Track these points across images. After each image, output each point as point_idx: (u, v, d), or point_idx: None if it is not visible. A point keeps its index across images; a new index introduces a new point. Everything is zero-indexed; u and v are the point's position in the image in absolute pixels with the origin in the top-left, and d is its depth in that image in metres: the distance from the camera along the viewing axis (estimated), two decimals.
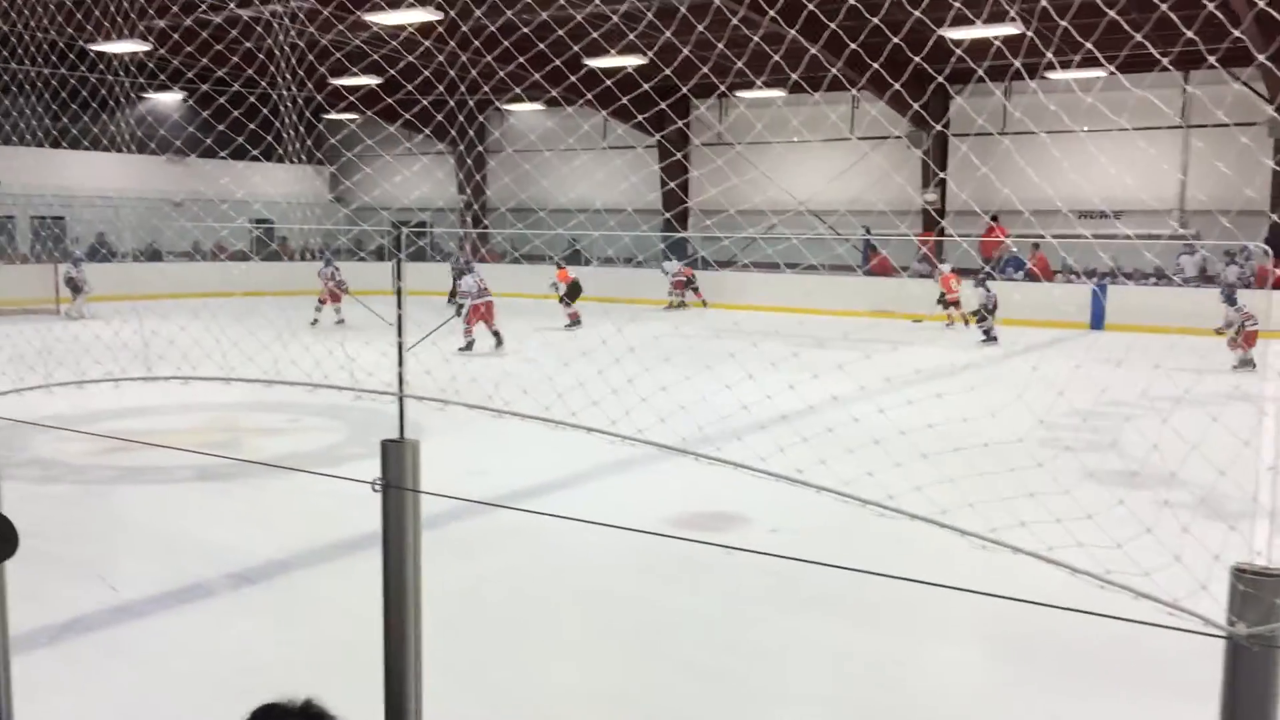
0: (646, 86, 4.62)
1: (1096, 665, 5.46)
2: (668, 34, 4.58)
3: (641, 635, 6.12)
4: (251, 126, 6.40)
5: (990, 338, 20.65)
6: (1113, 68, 3.45)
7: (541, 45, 5.01)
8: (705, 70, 4.52)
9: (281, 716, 2.09)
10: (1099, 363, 14.29)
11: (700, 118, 29.71)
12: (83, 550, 7.45)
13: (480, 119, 33.25)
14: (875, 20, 3.92)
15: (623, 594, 6.67)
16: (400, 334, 3.28)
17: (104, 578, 6.68)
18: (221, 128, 7.16)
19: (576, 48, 5.39)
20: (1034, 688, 5.44)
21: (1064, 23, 3.52)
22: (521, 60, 5.61)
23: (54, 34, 6.30)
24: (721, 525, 7.95)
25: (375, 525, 3.09)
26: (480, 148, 34.43)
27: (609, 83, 4.97)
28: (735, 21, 4.59)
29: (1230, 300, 17.51)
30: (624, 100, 4.83)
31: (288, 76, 5.60)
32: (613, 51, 5.35)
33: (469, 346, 17.77)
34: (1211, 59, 3.35)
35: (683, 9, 4.91)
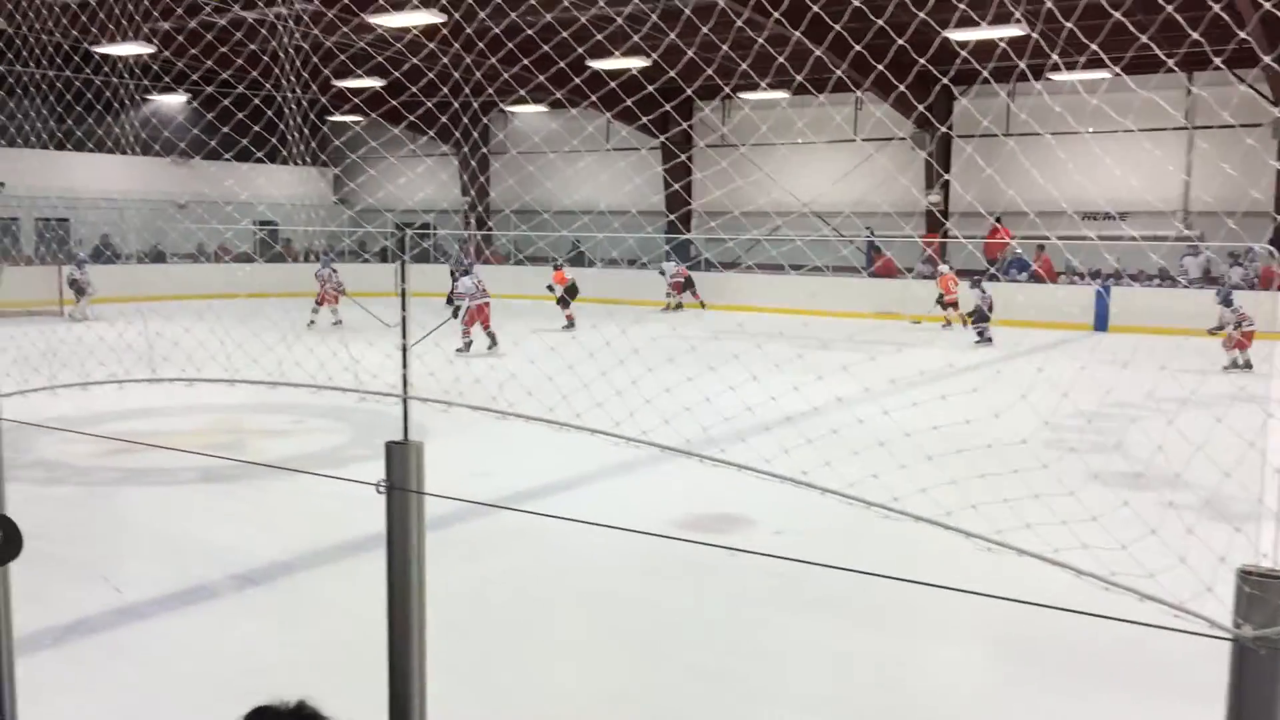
0: (651, 89, 4.62)
1: (1102, 667, 5.45)
2: (672, 35, 4.58)
3: (645, 636, 6.12)
4: (256, 129, 6.39)
5: (985, 339, 20.65)
6: (1118, 69, 3.44)
7: (546, 47, 5.01)
8: (710, 72, 4.52)
9: (275, 718, 2.09)
10: (1103, 364, 14.27)
11: (704, 119, 29.72)
12: (87, 552, 7.46)
13: (484, 121, 33.28)
14: (880, 22, 3.91)
15: (626, 595, 6.66)
16: (404, 336, 3.28)
17: (108, 579, 6.68)
18: (226, 130, 7.16)
19: (580, 50, 5.39)
20: (1039, 689, 5.43)
21: (1069, 24, 3.52)
22: (526, 62, 5.62)
23: (59, 36, 6.31)
24: (725, 527, 7.94)
25: (379, 527, 3.09)
26: (484, 150, 34.45)
27: (613, 84, 4.97)
28: (739, 23, 4.59)
29: (1226, 301, 17.47)
30: (628, 102, 4.82)
31: (292, 79, 5.60)
32: (617, 53, 5.35)
33: (467, 347, 17.89)
34: (1217, 60, 3.35)
35: (687, 11, 4.91)
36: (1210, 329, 17.42)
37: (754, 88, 22.84)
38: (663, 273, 27.57)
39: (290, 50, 5.55)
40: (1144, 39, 3.30)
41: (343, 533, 7.39)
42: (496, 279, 24.50)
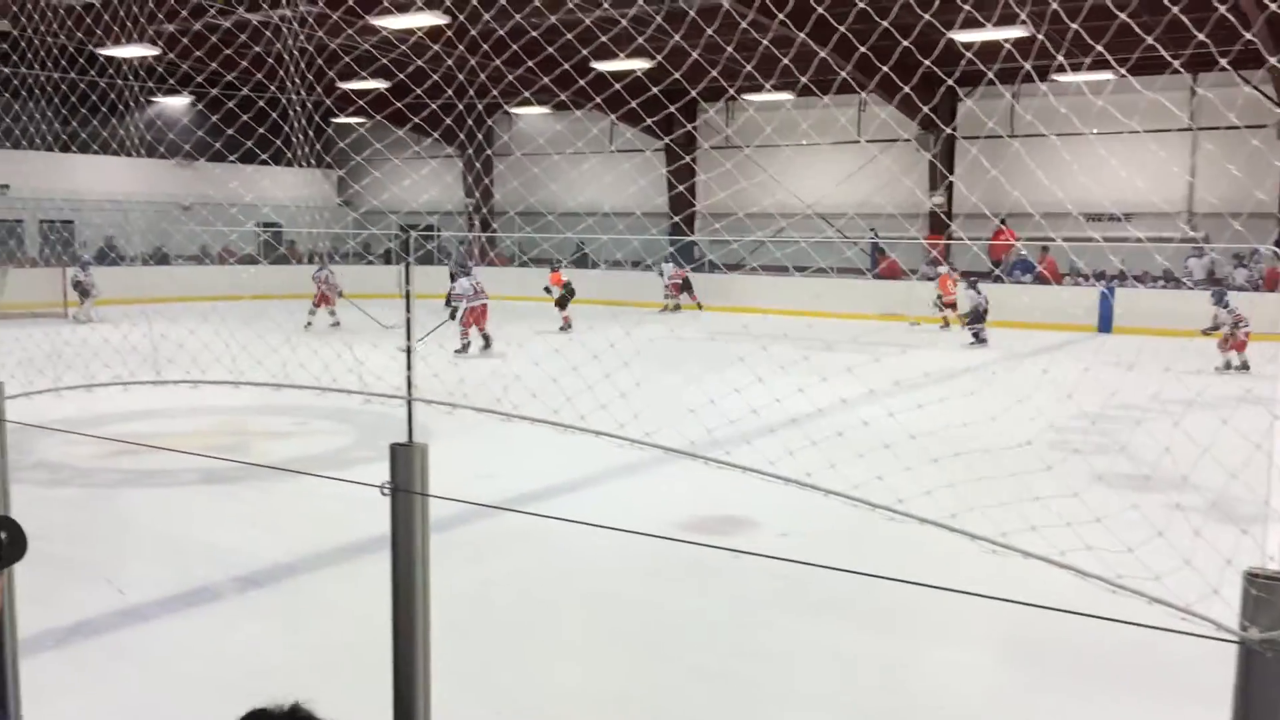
0: (655, 90, 4.62)
1: (1108, 670, 5.43)
2: (676, 37, 4.57)
3: (648, 638, 6.11)
4: (260, 130, 6.40)
5: (979, 340, 20.63)
6: (1124, 70, 3.44)
7: (550, 49, 5.01)
8: (714, 74, 4.51)
9: None
10: (1108, 366, 14.26)
11: (708, 121, 29.71)
12: (90, 553, 7.46)
13: (489, 123, 33.31)
14: (885, 24, 3.91)
15: (630, 597, 6.66)
16: (409, 337, 3.28)
17: (111, 581, 6.68)
18: (230, 132, 7.17)
19: (585, 51, 5.39)
20: (1045, 692, 5.42)
21: (1074, 25, 3.51)
22: (530, 64, 5.62)
23: (64, 38, 6.31)
24: (730, 529, 7.93)
25: (382, 528, 3.08)
26: (489, 152, 34.47)
27: (618, 86, 4.97)
28: (744, 25, 4.58)
29: (1222, 302, 17.42)
30: (633, 104, 4.82)
31: (296, 81, 5.61)
32: (621, 55, 5.36)
33: (465, 348, 18.01)
34: (1223, 61, 3.34)
35: (691, 12, 4.91)
36: (1204, 329, 17.39)
37: (758, 89, 22.85)
38: (661, 274, 27.59)
39: (295, 52, 5.55)
40: (1150, 40, 3.29)
41: (346, 534, 7.39)
42: (501, 281, 24.54)
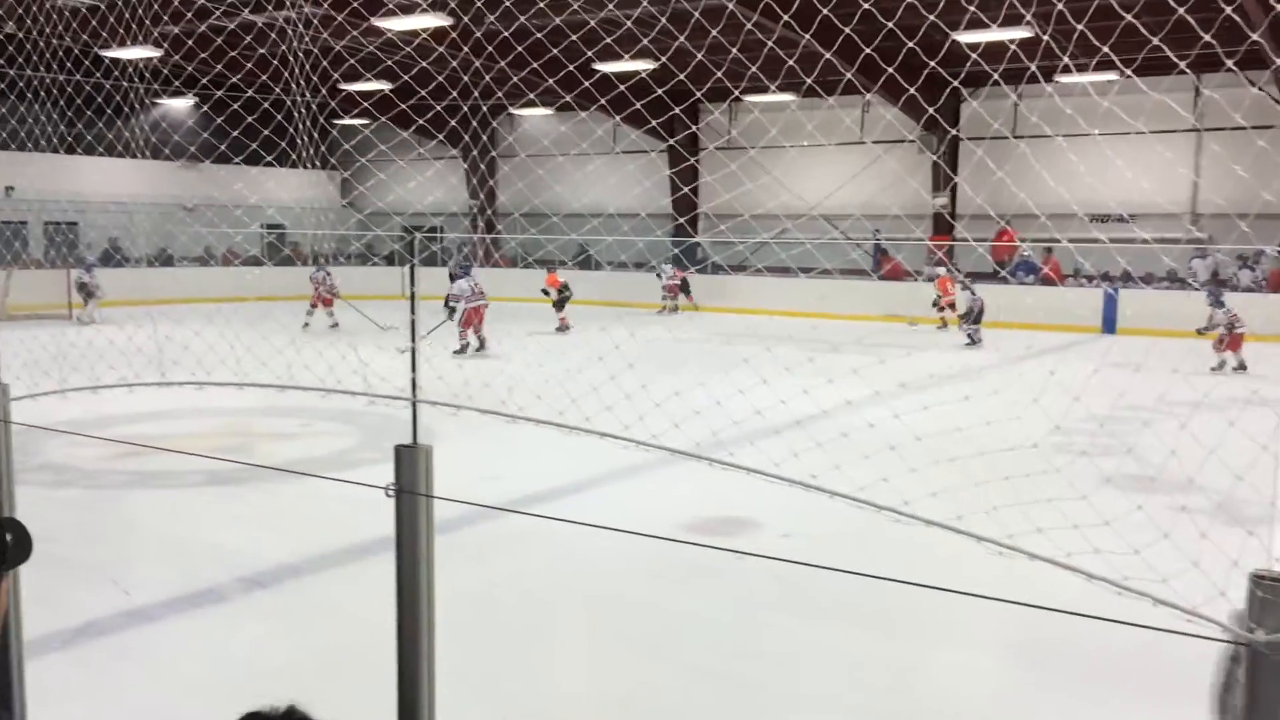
0: (660, 91, 4.62)
1: (1114, 672, 5.42)
2: (681, 39, 4.57)
3: (652, 639, 6.11)
4: (265, 132, 6.40)
5: (974, 341, 20.63)
6: (1129, 71, 3.43)
7: (554, 51, 5.01)
8: (719, 75, 4.51)
9: None
10: (1114, 367, 14.24)
11: (711, 123, 29.73)
12: (95, 554, 7.47)
13: (493, 125, 33.33)
14: (890, 24, 3.90)
15: (634, 598, 6.66)
16: (414, 339, 3.28)
17: (116, 582, 6.69)
18: (235, 133, 7.17)
19: (589, 53, 5.39)
20: (1050, 694, 5.41)
21: (1080, 26, 3.50)
22: (535, 65, 5.63)
23: (68, 40, 6.32)
24: (734, 530, 7.93)
25: (386, 530, 3.08)
26: (493, 153, 34.50)
27: (622, 88, 4.97)
28: (749, 26, 4.58)
29: (1217, 303, 17.41)
30: (637, 105, 4.82)
31: (301, 82, 5.61)
32: (625, 57, 5.35)
33: (464, 349, 18.11)
34: (1229, 63, 3.33)
35: (696, 14, 4.90)
36: (1199, 329, 17.38)
37: (762, 90, 22.88)
38: (659, 275, 27.61)
39: (299, 54, 5.56)
40: (1155, 41, 3.28)
41: (350, 536, 7.39)
42: (503, 282, 24.55)
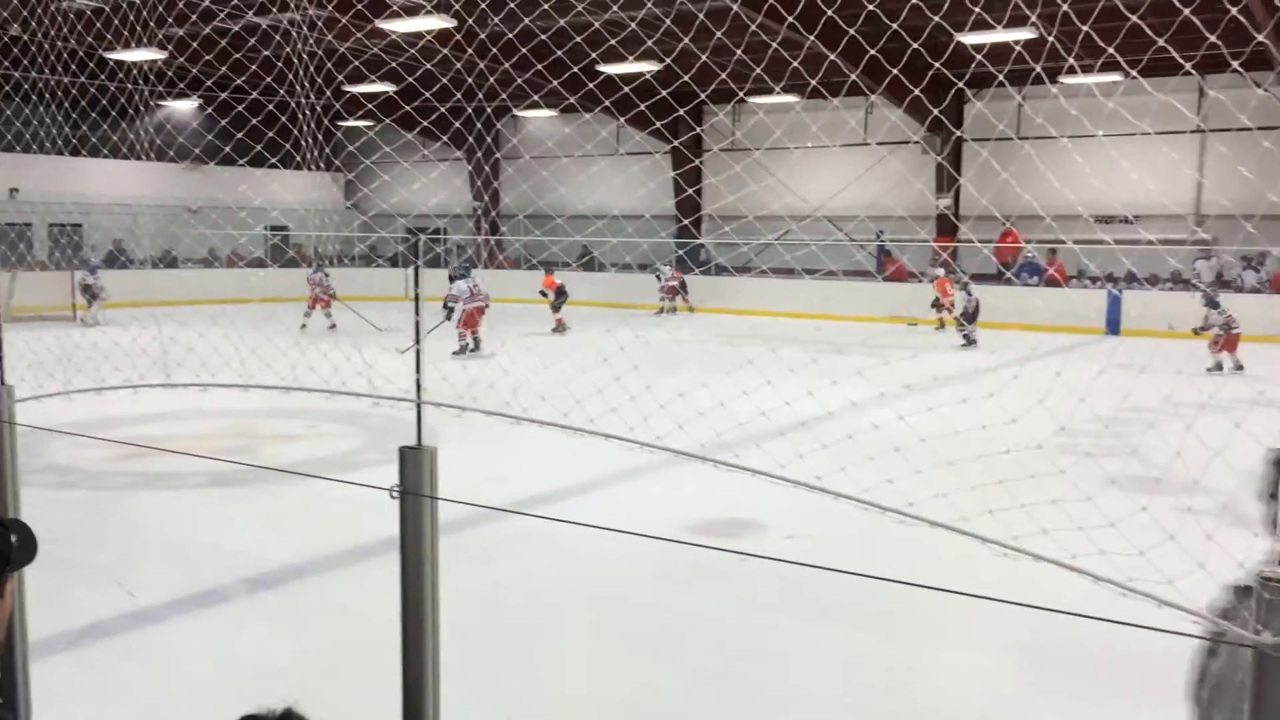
0: (664, 93, 4.61)
1: (1119, 673, 5.41)
2: (685, 40, 4.57)
3: (655, 640, 6.10)
4: (269, 134, 6.40)
5: (970, 342, 20.62)
6: (1134, 72, 3.42)
7: (559, 52, 5.01)
8: (723, 76, 4.51)
9: None
10: (1119, 368, 14.22)
11: (715, 124, 29.71)
12: (100, 556, 7.47)
13: (497, 126, 33.34)
14: (895, 26, 3.89)
15: (638, 600, 6.65)
16: (419, 340, 3.27)
17: (121, 583, 6.70)
18: (239, 135, 7.18)
19: (593, 55, 5.39)
20: (1055, 694, 5.40)
21: (1085, 27, 3.50)
22: (539, 67, 5.62)
23: (73, 42, 6.33)
24: (738, 532, 7.92)
25: (389, 531, 3.08)
26: (497, 155, 34.50)
27: (626, 89, 4.97)
28: (753, 27, 4.58)
29: (1212, 303, 17.39)
30: (642, 107, 4.82)
31: (305, 84, 5.61)
32: (629, 58, 5.35)
33: (463, 350, 18.14)
34: (1235, 64, 3.33)
35: (700, 16, 4.90)
36: (1194, 328, 17.38)
37: (767, 92, 22.88)
38: (659, 277, 27.61)
39: (303, 56, 5.56)
40: (1161, 42, 3.28)
41: (354, 537, 7.39)
42: (505, 284, 24.52)
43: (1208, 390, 12.75)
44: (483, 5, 5.08)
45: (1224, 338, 16.96)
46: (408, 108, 5.98)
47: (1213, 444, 3.80)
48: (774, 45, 4.60)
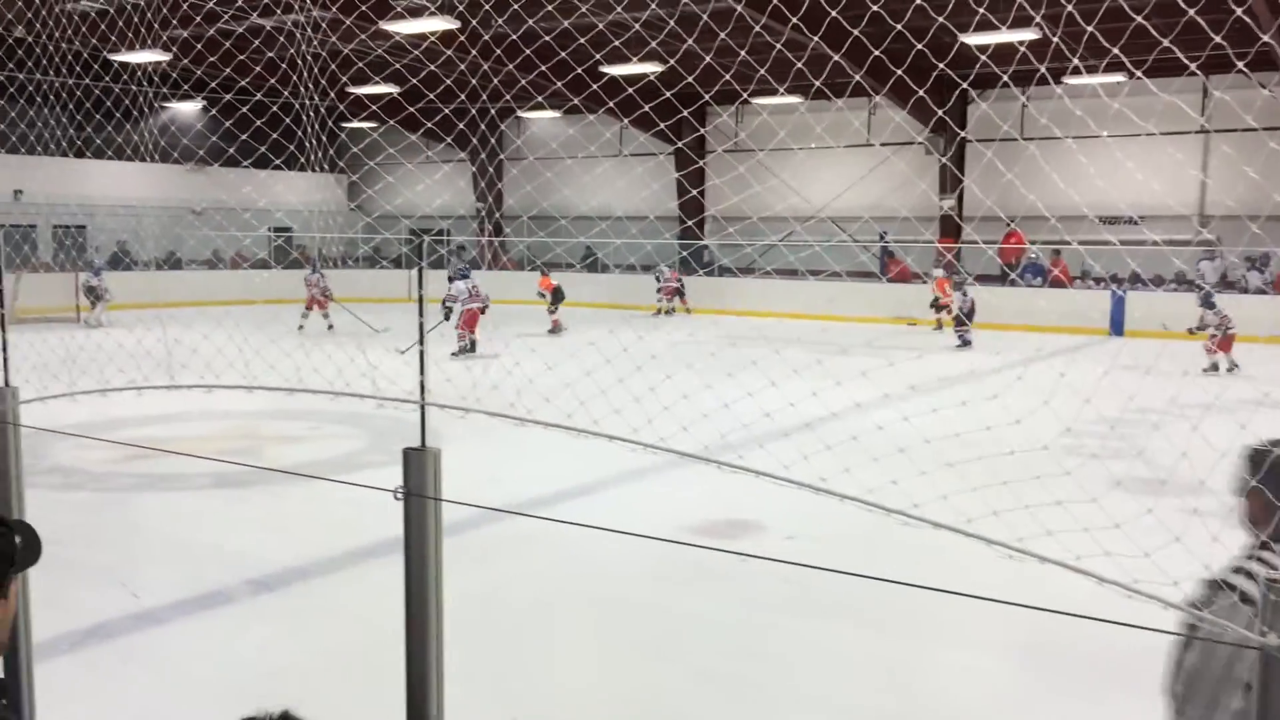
0: (668, 94, 4.61)
1: (1125, 675, 5.39)
2: (690, 41, 4.57)
3: (657, 641, 6.10)
4: (274, 135, 6.41)
5: (964, 342, 20.61)
6: (1139, 73, 3.41)
7: (562, 53, 5.00)
8: (727, 77, 4.50)
9: None
10: (1124, 369, 14.21)
11: (719, 125, 29.71)
12: (103, 557, 7.48)
13: (501, 127, 33.35)
14: (899, 27, 3.89)
15: (639, 600, 6.65)
16: (423, 341, 3.27)
17: (125, 584, 6.70)
18: (244, 137, 7.19)
19: (597, 56, 5.38)
20: (1060, 696, 5.39)
21: (1089, 28, 3.49)
22: (542, 68, 5.62)
23: (77, 44, 6.34)
24: (740, 533, 7.92)
25: (393, 532, 3.08)
26: (501, 156, 34.51)
27: (630, 90, 4.96)
28: (757, 28, 4.57)
29: (1208, 304, 17.37)
30: (646, 108, 4.81)
31: (309, 86, 5.61)
32: (633, 59, 5.35)
33: (461, 351, 18.22)
34: (1240, 64, 3.32)
35: (704, 17, 4.90)
36: (1190, 328, 17.36)
37: (770, 93, 22.86)
38: (658, 278, 27.62)
39: (307, 58, 5.56)
40: (1166, 42, 3.27)
41: (357, 538, 7.39)
42: (507, 284, 24.54)
43: (1213, 391, 12.73)
44: (486, 7, 5.09)
45: (1219, 338, 16.95)
46: (411, 109, 5.98)
47: (1219, 445, 3.79)
48: (778, 46, 4.60)
